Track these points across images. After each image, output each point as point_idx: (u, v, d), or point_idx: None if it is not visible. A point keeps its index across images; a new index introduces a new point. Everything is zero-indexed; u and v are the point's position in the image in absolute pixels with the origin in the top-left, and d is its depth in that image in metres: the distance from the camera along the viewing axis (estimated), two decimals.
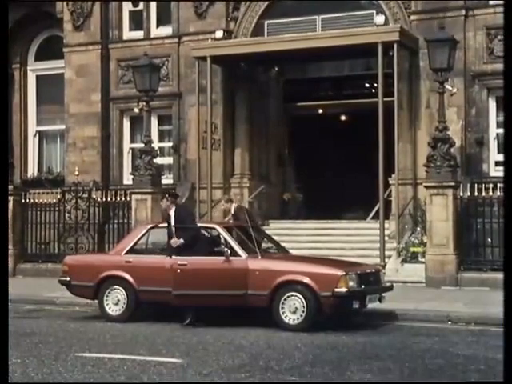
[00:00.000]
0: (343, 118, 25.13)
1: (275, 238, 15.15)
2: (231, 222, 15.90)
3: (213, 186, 20.39)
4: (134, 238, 13.99)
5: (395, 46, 18.55)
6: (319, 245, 18.60)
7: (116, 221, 20.28)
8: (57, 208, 20.95)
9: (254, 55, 20.37)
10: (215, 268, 12.74)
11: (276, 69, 22.28)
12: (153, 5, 23.12)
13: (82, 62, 23.27)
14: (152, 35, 23.00)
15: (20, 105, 25.29)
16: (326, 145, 23.79)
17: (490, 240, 16.83)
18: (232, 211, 16.09)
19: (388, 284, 13.28)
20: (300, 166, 23.40)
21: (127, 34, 23.47)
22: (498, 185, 16.70)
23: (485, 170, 19.14)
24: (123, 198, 20.25)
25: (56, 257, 19.80)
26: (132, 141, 23.32)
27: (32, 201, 21.24)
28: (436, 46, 17.23)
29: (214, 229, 13.55)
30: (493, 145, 19.27)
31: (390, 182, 19.03)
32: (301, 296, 12.10)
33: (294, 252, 14.84)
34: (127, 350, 10.38)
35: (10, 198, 20.38)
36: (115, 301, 13.39)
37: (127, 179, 22.33)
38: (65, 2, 23.42)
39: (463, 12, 19.28)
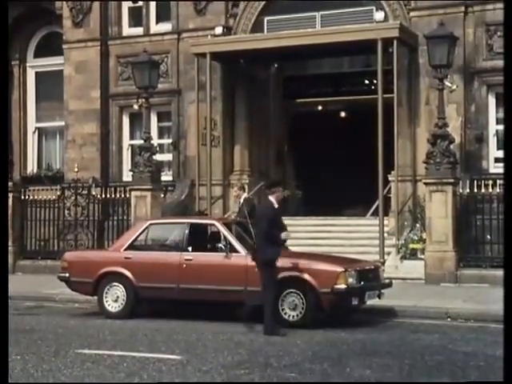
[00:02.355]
0: (343, 114, 25.12)
1: None
2: (231, 217, 15.92)
3: (212, 183, 20.38)
4: (134, 234, 14.01)
5: (395, 42, 18.54)
6: (318, 241, 18.59)
7: (115, 217, 20.27)
8: (56, 205, 20.94)
9: (254, 52, 20.35)
10: (216, 264, 12.78)
11: (276, 65, 22.26)
12: (152, 1, 23.10)
13: (82, 58, 23.24)
14: (151, 32, 22.98)
15: (19, 101, 25.26)
16: (325, 141, 23.78)
17: (489, 237, 16.83)
18: (241, 200, 16.18)
19: (387, 281, 13.29)
20: (299, 163, 23.40)
21: (127, 30, 23.44)
22: (498, 181, 16.69)
23: (484, 167, 19.13)
24: (123, 195, 20.23)
25: (55, 254, 19.76)
26: (131, 137, 23.31)
27: (31, 197, 21.22)
28: (435, 42, 17.22)
29: (214, 225, 13.56)
30: (492, 141, 19.26)
31: (390, 178, 19.02)
32: (300, 292, 12.11)
33: (293, 248, 14.83)
34: (127, 347, 10.39)
35: (10, 195, 20.34)
36: (114, 297, 13.40)
37: (127, 176, 22.32)
38: None
39: (462, 8, 19.26)
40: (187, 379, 8.42)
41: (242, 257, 12.66)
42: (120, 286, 13.39)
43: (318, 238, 18.91)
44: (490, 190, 17.03)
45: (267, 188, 12.63)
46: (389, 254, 17.90)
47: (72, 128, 23.37)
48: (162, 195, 20.25)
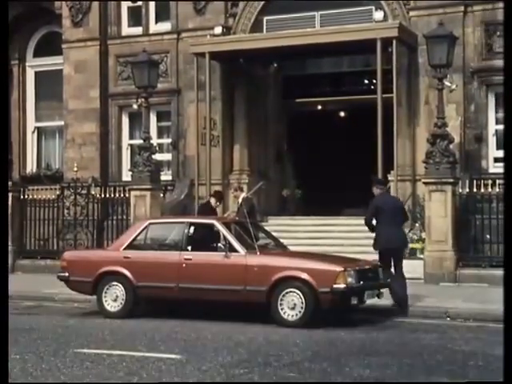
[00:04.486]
0: (342, 114, 25.13)
1: (274, 234, 15.15)
2: (230, 216, 15.94)
3: (212, 183, 20.38)
4: (133, 233, 13.99)
5: (394, 42, 18.56)
6: (318, 241, 18.60)
7: (115, 217, 20.27)
8: (55, 204, 20.94)
9: (253, 51, 20.36)
10: (215, 263, 12.78)
11: (275, 65, 22.25)
12: (151, 1, 23.09)
13: (81, 58, 23.25)
14: (151, 31, 22.99)
15: (19, 101, 25.28)
16: (324, 141, 23.79)
17: (488, 236, 16.83)
18: (240, 200, 16.21)
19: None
20: (299, 162, 23.39)
21: (126, 30, 23.46)
22: (497, 181, 16.70)
23: (484, 167, 19.15)
24: (122, 195, 20.23)
25: (55, 253, 19.78)
26: (131, 137, 23.32)
27: (31, 197, 21.22)
28: (435, 42, 17.20)
29: (213, 225, 13.55)
30: (492, 141, 19.27)
31: (389, 178, 19.02)
32: (299, 292, 12.11)
33: (292, 248, 14.84)
34: (126, 346, 10.39)
35: (9, 195, 20.35)
36: (114, 297, 13.39)
37: (126, 175, 22.32)
38: None
39: (462, 8, 19.27)
40: (187, 378, 8.42)
41: (242, 256, 12.66)
42: (119, 285, 13.38)
43: (317, 238, 18.91)
44: (490, 189, 17.03)
45: (379, 183, 13.97)
46: None
47: (71, 127, 23.37)
48: (162, 195, 20.25)
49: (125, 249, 13.65)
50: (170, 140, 22.64)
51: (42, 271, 19.85)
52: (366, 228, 18.86)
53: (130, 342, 10.84)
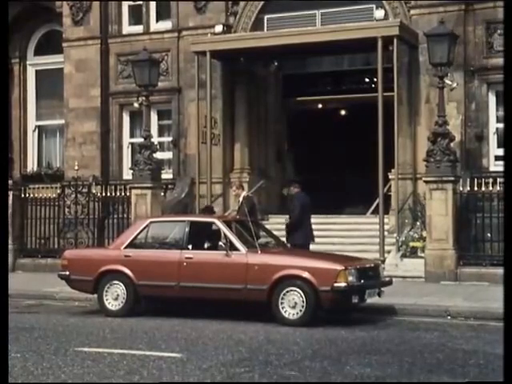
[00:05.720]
0: (343, 112, 25.12)
1: (275, 232, 15.16)
2: (231, 215, 15.95)
3: (212, 181, 20.39)
4: (134, 232, 14.00)
5: (395, 40, 18.53)
6: (318, 240, 18.47)
7: (116, 216, 20.27)
8: (56, 203, 20.94)
9: (254, 50, 20.34)
10: (216, 262, 12.79)
11: (275, 63, 22.23)
12: (152, 0, 23.09)
13: (82, 56, 23.25)
14: (151, 30, 22.98)
15: (19, 100, 25.27)
16: (325, 140, 23.77)
17: (489, 235, 16.83)
18: (241, 198, 16.23)
19: (387, 279, 13.29)
20: (299, 161, 23.39)
21: (127, 28, 23.45)
22: (498, 179, 16.69)
23: (484, 165, 19.14)
24: (123, 193, 20.23)
25: (55, 252, 19.77)
26: (131, 136, 23.31)
27: (31, 196, 21.22)
28: (436, 40, 17.20)
29: (214, 223, 13.56)
30: (492, 139, 19.27)
31: (390, 176, 19.03)
32: (300, 291, 12.11)
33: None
34: (127, 345, 10.40)
35: (10, 193, 20.35)
36: (114, 295, 13.39)
37: (127, 174, 22.32)
38: None
39: (463, 6, 19.26)
40: (187, 377, 8.42)
41: (243, 255, 12.66)
42: (120, 284, 13.38)
43: (318, 237, 18.81)
44: (490, 188, 17.03)
45: (296, 183, 15.49)
46: (389, 252, 17.89)
47: (72, 126, 23.37)
48: (162, 193, 20.25)
49: (126, 247, 13.66)
50: (170, 138, 22.64)
51: (43, 270, 19.86)
52: (367, 227, 19.03)
53: (131, 340, 10.85)
